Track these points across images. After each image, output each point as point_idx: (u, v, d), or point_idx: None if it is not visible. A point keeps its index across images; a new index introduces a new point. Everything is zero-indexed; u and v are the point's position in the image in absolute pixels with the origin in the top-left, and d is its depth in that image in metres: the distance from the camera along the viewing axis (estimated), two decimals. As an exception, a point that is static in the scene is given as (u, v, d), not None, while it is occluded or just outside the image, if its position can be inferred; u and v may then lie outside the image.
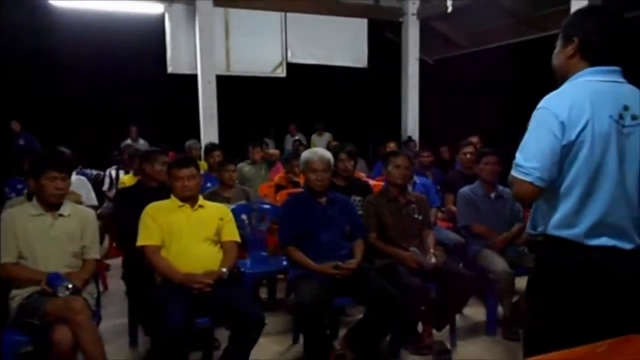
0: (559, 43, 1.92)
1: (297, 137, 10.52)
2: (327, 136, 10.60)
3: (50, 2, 6.88)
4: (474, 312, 4.11)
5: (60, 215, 2.94)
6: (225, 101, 7.51)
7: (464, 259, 4.03)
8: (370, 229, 3.57)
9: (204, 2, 7.15)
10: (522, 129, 1.90)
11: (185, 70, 7.46)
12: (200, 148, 6.58)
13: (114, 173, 6.24)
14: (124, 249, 3.77)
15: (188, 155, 6.05)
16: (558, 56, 1.91)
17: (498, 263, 3.68)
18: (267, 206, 4.34)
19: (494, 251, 3.80)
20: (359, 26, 8.31)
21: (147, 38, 8.11)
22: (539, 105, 1.80)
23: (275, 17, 7.83)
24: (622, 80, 1.83)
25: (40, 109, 9.24)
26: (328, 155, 3.51)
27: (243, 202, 4.35)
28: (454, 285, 3.39)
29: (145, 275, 3.11)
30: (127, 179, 5.49)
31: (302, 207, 3.43)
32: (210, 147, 6.07)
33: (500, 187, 4.03)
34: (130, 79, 10.10)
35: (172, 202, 3.19)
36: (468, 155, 4.97)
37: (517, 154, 1.80)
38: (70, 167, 3.08)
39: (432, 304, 3.52)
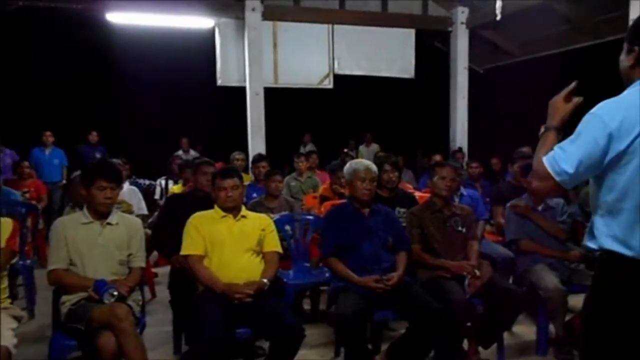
0: (624, 49, 1.88)
1: (308, 148, 10.53)
2: (374, 147, 10.53)
3: (108, 19, 7.19)
4: (524, 330, 3.94)
5: (109, 223, 3.02)
6: (272, 113, 7.61)
7: (513, 274, 3.88)
8: (413, 240, 3.49)
9: (253, 16, 7.30)
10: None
11: (234, 82, 7.61)
12: (244, 159, 6.62)
13: (163, 183, 6.41)
14: (167, 257, 3.84)
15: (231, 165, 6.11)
16: (622, 62, 1.87)
17: (549, 279, 3.52)
18: (310, 217, 4.33)
19: (545, 266, 3.65)
20: (406, 36, 8.25)
21: (198, 51, 8.37)
22: (592, 110, 1.75)
23: (322, 29, 7.89)
24: None
25: (97, 121, 9.58)
26: (374, 166, 3.50)
27: (286, 212, 4.36)
28: (502, 301, 3.27)
29: (188, 284, 3.16)
30: (176, 189, 5.62)
31: (344, 218, 3.40)
32: (257, 158, 6.13)
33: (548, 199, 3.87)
34: (181, 92, 10.41)
35: (216, 212, 3.22)
36: None
37: (558, 147, 1.74)
38: (120, 178, 3.15)
39: (479, 320, 3.39)
